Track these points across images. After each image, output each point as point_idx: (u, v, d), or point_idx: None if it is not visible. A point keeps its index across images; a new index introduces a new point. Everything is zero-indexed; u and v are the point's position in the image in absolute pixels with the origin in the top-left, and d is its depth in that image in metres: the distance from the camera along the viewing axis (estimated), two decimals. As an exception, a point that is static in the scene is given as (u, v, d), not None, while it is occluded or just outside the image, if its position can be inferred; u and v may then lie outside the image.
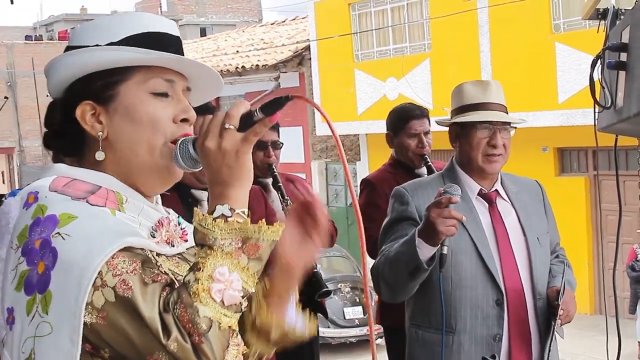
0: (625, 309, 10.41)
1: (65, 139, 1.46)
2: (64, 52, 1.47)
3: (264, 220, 1.32)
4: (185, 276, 1.28)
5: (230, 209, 1.31)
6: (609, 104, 2.07)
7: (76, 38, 1.47)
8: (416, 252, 2.53)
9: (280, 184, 3.85)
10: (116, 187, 1.42)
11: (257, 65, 15.83)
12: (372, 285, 2.82)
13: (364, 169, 14.52)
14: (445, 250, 2.52)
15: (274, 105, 1.32)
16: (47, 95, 1.50)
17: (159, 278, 1.27)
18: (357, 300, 11.17)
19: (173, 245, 1.47)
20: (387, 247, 2.78)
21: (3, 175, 33.15)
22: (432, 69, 12.95)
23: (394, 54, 13.92)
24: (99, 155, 1.42)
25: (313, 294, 3.71)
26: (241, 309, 1.29)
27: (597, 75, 2.14)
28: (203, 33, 34.90)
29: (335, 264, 11.77)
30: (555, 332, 2.79)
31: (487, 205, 2.84)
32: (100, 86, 1.42)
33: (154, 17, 1.49)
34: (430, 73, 12.96)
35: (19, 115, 31.54)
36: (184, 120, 1.45)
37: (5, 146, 31.61)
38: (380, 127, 4.23)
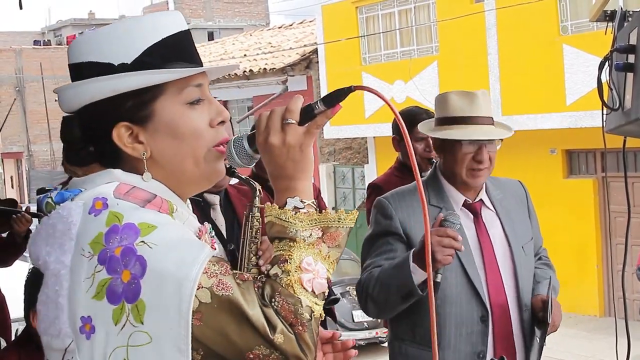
0: (636, 311, 10.37)
1: (95, 155, 1.43)
2: (75, 65, 1.42)
3: (342, 209, 1.38)
4: (268, 270, 1.31)
5: (302, 201, 1.35)
6: (617, 105, 2.07)
7: (92, 52, 1.41)
8: (411, 277, 2.50)
9: None
10: (168, 196, 1.41)
11: (265, 68, 15.85)
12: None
13: (371, 172, 14.54)
14: (439, 279, 2.50)
15: (335, 96, 1.35)
16: (56, 100, 1.48)
17: (245, 277, 1.29)
18: (366, 303, 11.14)
19: None
20: (372, 263, 2.75)
21: (12, 180, 33.28)
22: (439, 71, 12.96)
23: (402, 57, 13.93)
24: (147, 176, 1.39)
25: None
26: (325, 297, 1.32)
27: (605, 77, 2.14)
28: (211, 37, 34.95)
29: (343, 266, 11.75)
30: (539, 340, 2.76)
31: (472, 216, 2.79)
32: (133, 106, 1.39)
33: (165, 17, 1.45)
34: (438, 76, 12.96)
35: (27, 120, 31.70)
36: (221, 122, 1.44)
37: (14, 151, 31.75)
38: (388, 130, 4.24)
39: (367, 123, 14.32)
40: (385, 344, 12.02)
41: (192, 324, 1.23)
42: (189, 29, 1.47)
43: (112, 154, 1.41)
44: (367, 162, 15.34)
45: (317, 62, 15.39)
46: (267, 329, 1.23)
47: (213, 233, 1.55)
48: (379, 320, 10.52)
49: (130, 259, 1.24)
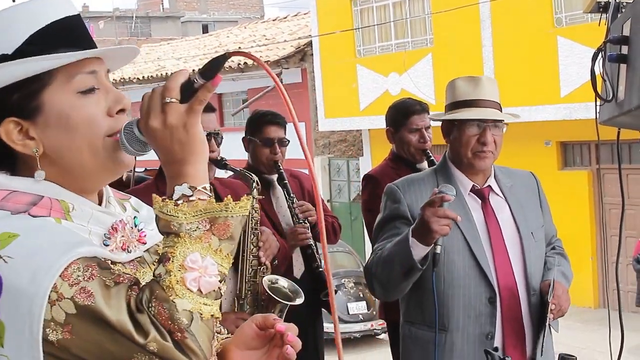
0: (630, 303, 10.41)
1: None
2: None
3: (229, 196, 1.26)
4: (154, 270, 1.21)
5: (191, 187, 1.23)
6: (611, 97, 2.06)
7: None
8: (410, 252, 2.53)
9: (286, 182, 3.87)
10: (61, 195, 1.30)
11: (260, 61, 15.84)
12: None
13: (366, 164, 14.56)
14: (438, 250, 2.52)
15: (212, 67, 1.25)
16: None
17: (122, 279, 1.18)
18: (361, 295, 11.18)
19: (130, 251, 1.37)
20: (380, 246, 2.78)
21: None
22: (434, 63, 12.97)
23: (396, 49, 13.92)
24: (39, 175, 1.29)
25: (318, 293, 3.75)
26: (221, 294, 1.22)
27: (598, 69, 2.13)
28: (205, 30, 34.99)
29: (338, 259, 11.79)
30: (550, 326, 2.77)
31: (479, 201, 2.83)
32: (20, 99, 1.27)
33: (48, 3, 1.31)
34: (432, 68, 12.98)
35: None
36: (121, 111, 1.34)
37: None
38: (382, 122, 4.24)
39: (362, 115, 14.35)
40: (381, 336, 11.99)
41: (63, 337, 1.14)
42: (79, 14, 1.36)
43: (4, 156, 1.30)
44: (362, 155, 15.37)
45: (312, 54, 15.40)
46: (135, 336, 1.13)
47: (142, 225, 1.43)
48: (374, 312, 10.56)
49: None
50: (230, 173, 3.25)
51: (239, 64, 16.26)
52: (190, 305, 1.16)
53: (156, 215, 1.23)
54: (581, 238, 11.86)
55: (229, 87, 17.28)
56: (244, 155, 4.00)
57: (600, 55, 2.14)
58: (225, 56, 1.26)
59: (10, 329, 1.14)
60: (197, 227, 1.20)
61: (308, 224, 3.85)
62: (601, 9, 2.28)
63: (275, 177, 3.92)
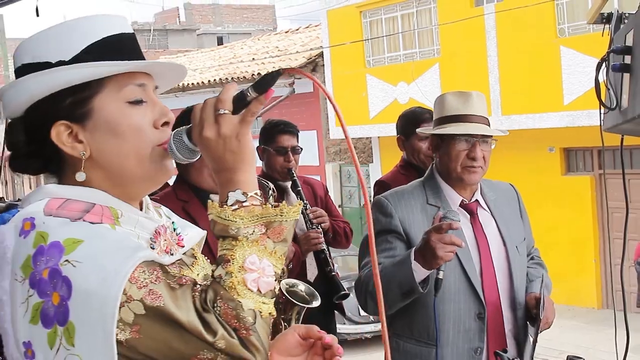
0: (632, 303, 10.57)
1: (40, 160, 1.38)
2: (17, 69, 1.38)
3: (284, 202, 1.32)
4: (214, 271, 1.25)
5: (244, 194, 1.28)
6: (614, 105, 2.09)
7: (29, 54, 1.36)
8: (412, 275, 2.51)
9: (300, 188, 3.98)
10: (109, 202, 1.35)
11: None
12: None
13: (376, 171, 14.67)
14: (441, 275, 2.51)
15: (265, 81, 1.31)
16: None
17: (184, 280, 1.23)
18: (372, 297, 11.30)
19: (172, 254, 1.43)
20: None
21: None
22: (441, 73, 13.08)
23: (405, 60, 14.03)
24: (80, 177, 1.34)
25: (331, 296, 3.82)
26: (276, 293, 1.27)
27: (602, 78, 2.18)
28: (220, 42, 35.13)
29: (350, 262, 11.93)
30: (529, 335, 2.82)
31: (468, 216, 2.80)
32: (72, 104, 1.33)
33: (107, 19, 1.39)
34: (440, 77, 13.08)
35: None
36: (165, 123, 1.39)
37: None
38: (391, 130, 4.36)
39: (372, 123, 14.46)
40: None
41: (131, 337, 1.19)
42: (134, 33, 1.42)
43: (54, 157, 1.37)
44: (372, 162, 15.46)
45: (323, 65, 15.51)
46: (205, 334, 1.19)
47: (179, 230, 1.50)
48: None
49: (58, 280, 1.19)
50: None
51: (253, 74, 16.48)
52: (252, 304, 1.22)
53: (212, 220, 1.28)
54: (585, 241, 12.01)
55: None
56: (258, 163, 4.16)
57: (604, 64, 2.17)
58: (279, 72, 1.32)
59: (81, 330, 1.18)
60: (253, 231, 1.26)
61: (321, 230, 3.89)
62: (604, 20, 2.33)
63: (289, 184, 4.01)
